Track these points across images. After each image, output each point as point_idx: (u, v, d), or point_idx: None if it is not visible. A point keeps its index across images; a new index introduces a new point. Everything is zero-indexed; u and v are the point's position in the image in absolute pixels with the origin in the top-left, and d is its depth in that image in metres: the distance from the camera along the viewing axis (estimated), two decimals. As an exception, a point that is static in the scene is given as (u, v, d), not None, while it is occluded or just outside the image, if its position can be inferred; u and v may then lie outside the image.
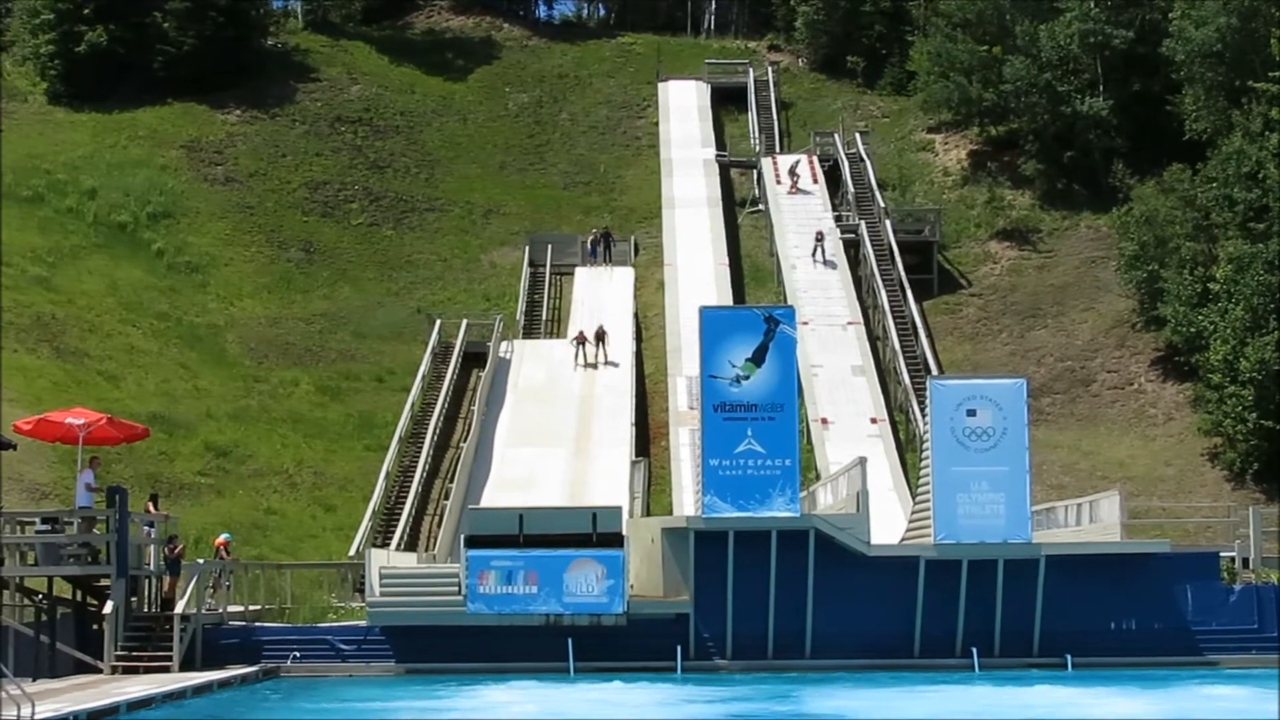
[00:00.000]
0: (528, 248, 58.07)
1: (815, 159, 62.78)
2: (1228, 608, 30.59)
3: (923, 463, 32.51)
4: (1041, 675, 27.95)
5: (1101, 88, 58.70)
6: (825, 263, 55.13)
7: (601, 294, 55.18)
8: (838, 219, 58.41)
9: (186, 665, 28.66)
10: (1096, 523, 32.23)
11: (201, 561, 31.28)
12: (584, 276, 56.56)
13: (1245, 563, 31.69)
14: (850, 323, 51.32)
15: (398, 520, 40.67)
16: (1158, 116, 56.75)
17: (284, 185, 63.12)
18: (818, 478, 39.95)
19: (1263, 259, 44.39)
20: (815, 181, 61.01)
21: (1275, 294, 44.10)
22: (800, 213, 58.71)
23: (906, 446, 44.87)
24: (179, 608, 29.20)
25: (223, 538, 33.36)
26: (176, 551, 30.99)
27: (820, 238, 55.60)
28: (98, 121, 65.18)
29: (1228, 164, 48.05)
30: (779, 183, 60.70)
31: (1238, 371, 43.69)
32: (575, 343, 49.72)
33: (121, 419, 33.68)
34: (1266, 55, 49.29)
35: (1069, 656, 29.55)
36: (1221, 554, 31.73)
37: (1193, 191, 49.68)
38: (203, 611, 29.88)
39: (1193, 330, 46.93)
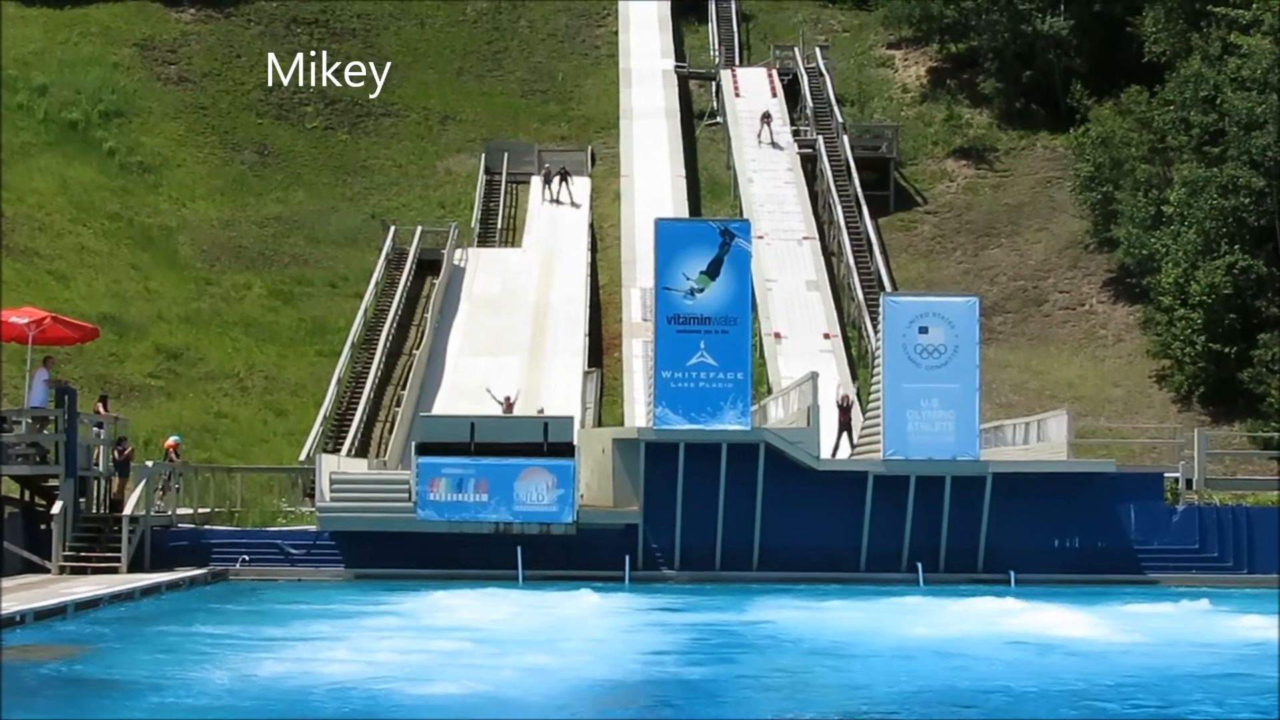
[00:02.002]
0: (484, 155, 57.63)
1: (775, 72, 62.44)
2: (1170, 528, 31.10)
3: (874, 379, 32.70)
4: (984, 590, 28.28)
5: (1062, 7, 58.50)
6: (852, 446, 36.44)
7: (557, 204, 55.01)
8: (795, 134, 58.14)
9: (135, 567, 28.73)
10: (1044, 442, 32.56)
11: (151, 464, 31.20)
12: (540, 186, 56.23)
13: (1189, 483, 32.15)
14: (805, 238, 51.30)
15: (349, 426, 40.61)
16: (1118, 38, 56.62)
17: (238, 87, 62.34)
18: (769, 392, 40.11)
19: (1216, 183, 44.50)
20: (774, 96, 60.61)
21: (1227, 218, 44.29)
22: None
23: (859, 362, 45.08)
24: (128, 509, 29.21)
25: (172, 440, 33.23)
26: (126, 453, 30.94)
27: (846, 409, 36.74)
28: (49, 17, 64.04)
29: (1185, 87, 48.05)
30: (738, 96, 60.31)
31: (1188, 295, 43.98)
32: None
33: (69, 318, 33.45)
34: (1228, -22, 49.20)
35: (1012, 573, 29.96)
36: (1166, 475, 32.17)
37: (1149, 114, 49.70)
38: (151, 513, 29.91)
39: (1145, 253, 47.14)
